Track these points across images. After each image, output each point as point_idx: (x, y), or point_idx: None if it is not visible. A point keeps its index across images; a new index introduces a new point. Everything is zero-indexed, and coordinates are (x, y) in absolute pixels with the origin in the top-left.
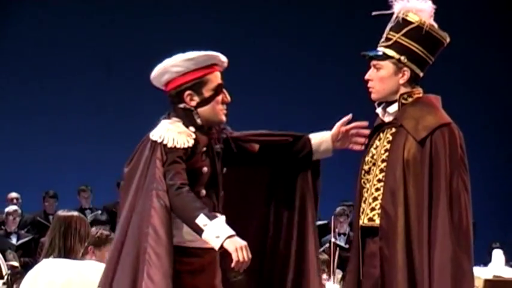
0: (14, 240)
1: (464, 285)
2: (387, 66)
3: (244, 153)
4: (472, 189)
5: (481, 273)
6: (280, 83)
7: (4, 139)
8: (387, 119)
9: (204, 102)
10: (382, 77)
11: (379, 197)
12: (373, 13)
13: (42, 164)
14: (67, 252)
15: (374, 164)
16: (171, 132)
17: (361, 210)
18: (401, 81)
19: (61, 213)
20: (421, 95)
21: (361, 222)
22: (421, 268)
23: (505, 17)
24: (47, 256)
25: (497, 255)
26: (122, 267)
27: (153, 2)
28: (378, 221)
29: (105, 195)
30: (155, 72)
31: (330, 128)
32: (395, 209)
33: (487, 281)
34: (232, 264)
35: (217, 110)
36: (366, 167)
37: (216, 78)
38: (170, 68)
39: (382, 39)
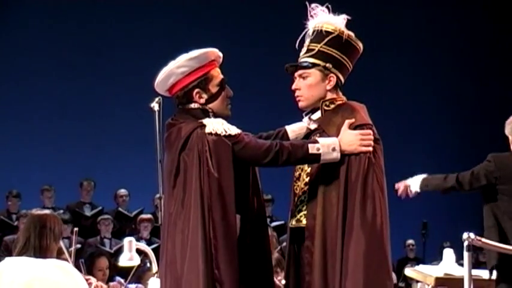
0: None
1: (374, 279)
2: (314, 74)
3: None
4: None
5: (432, 271)
6: (269, 86)
7: None
8: (313, 126)
9: (212, 98)
10: (310, 84)
11: (305, 199)
12: (297, 45)
13: (5, 164)
14: (43, 251)
15: (302, 170)
16: (225, 124)
17: (292, 214)
18: (328, 87)
19: (35, 212)
20: (343, 101)
21: (290, 224)
22: (334, 264)
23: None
24: (20, 255)
25: (448, 254)
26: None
27: (120, 6)
28: (304, 222)
29: (68, 195)
30: (160, 77)
31: None
32: (317, 209)
33: (438, 279)
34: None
35: (225, 104)
36: (296, 174)
37: (218, 73)
38: (175, 69)
39: (303, 52)
